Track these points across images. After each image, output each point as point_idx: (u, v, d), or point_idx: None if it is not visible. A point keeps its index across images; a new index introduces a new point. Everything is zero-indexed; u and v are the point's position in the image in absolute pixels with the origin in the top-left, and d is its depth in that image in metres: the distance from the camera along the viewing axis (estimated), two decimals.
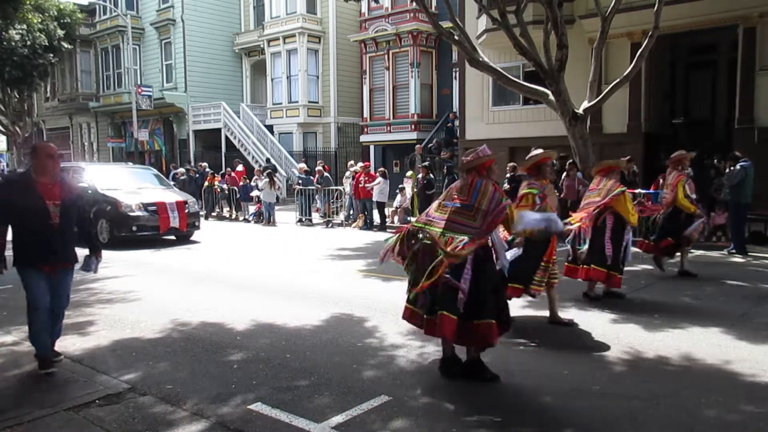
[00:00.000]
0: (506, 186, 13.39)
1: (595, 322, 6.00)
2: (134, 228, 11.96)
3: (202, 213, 16.45)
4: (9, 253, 4.57)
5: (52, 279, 4.58)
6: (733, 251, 10.30)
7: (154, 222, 12.24)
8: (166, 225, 12.33)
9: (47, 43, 26.98)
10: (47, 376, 4.51)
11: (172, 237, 12.93)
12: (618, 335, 5.51)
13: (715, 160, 12.35)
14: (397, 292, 7.54)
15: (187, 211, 12.83)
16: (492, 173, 4.57)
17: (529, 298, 7.02)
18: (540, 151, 5.79)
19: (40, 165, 4.46)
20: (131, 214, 11.99)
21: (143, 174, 14.59)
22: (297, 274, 8.93)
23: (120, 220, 11.94)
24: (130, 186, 12.99)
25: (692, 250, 10.81)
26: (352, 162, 17.92)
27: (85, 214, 4.82)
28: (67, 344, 5.40)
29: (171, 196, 13.11)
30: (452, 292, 4.23)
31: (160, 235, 12.43)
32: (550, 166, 5.84)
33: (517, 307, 6.70)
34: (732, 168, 10.30)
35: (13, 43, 25.90)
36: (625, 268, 9.24)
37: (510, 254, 5.33)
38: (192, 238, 13.30)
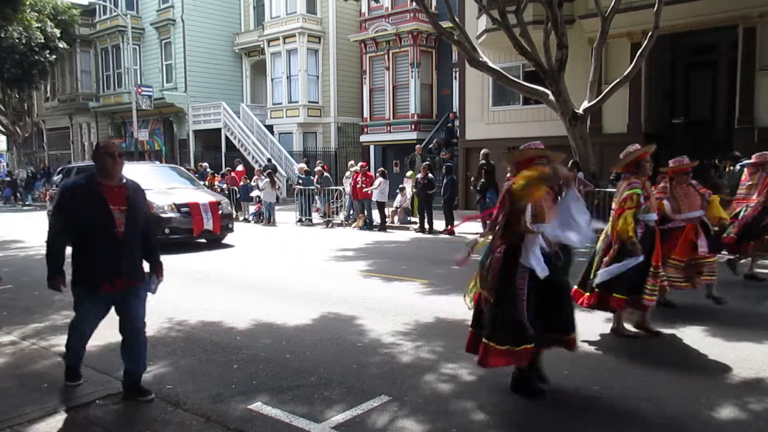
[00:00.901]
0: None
1: (595, 322, 6.00)
2: (167, 231, 11.17)
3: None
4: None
5: (115, 298, 3.98)
6: None
7: (188, 224, 11.52)
8: (199, 227, 11.63)
9: (43, 41, 26.98)
10: (47, 377, 4.51)
11: (203, 240, 12.23)
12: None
13: (716, 160, 12.35)
14: (397, 292, 7.55)
15: (220, 212, 12.10)
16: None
17: None
18: (637, 146, 5.46)
19: (102, 165, 3.90)
20: (163, 215, 11.24)
21: (173, 173, 13.86)
22: (297, 274, 8.93)
23: (152, 222, 11.62)
24: (160, 185, 12.21)
25: None
26: (352, 162, 17.92)
27: (149, 222, 4.17)
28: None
29: (204, 196, 12.43)
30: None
31: (194, 239, 11.73)
32: (649, 162, 5.41)
33: None
34: (732, 168, 10.29)
35: (13, 42, 25.90)
36: None
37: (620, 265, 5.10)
38: (224, 241, 12.59)
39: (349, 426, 3.69)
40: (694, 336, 5.48)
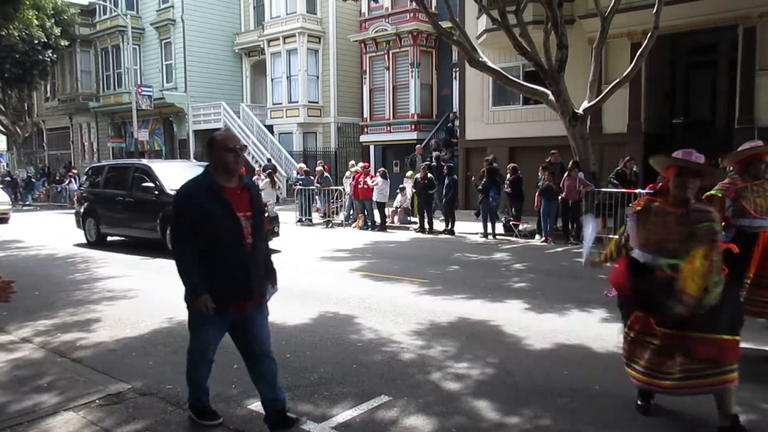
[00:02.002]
0: (507, 189, 13.39)
1: (596, 322, 6.00)
2: None
3: None
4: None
5: (238, 318, 3.44)
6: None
7: None
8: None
9: (45, 40, 26.98)
10: (47, 377, 4.51)
11: None
12: (618, 335, 5.49)
13: (720, 159, 12.35)
14: (396, 292, 7.55)
15: (267, 215, 11.95)
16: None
17: (532, 299, 7.04)
18: (757, 143, 4.85)
19: (221, 163, 3.29)
20: None
21: None
22: (297, 273, 8.92)
23: None
24: None
25: None
26: (352, 162, 17.93)
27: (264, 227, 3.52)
28: (67, 344, 5.41)
29: None
30: None
31: None
32: (765, 164, 4.66)
33: (519, 308, 6.71)
34: (732, 168, 10.28)
35: (14, 40, 25.90)
36: None
37: None
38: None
39: (350, 426, 3.69)
40: None
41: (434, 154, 17.95)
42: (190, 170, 12.63)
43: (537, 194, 12.63)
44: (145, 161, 13.50)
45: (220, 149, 3.28)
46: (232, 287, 3.32)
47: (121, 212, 12.02)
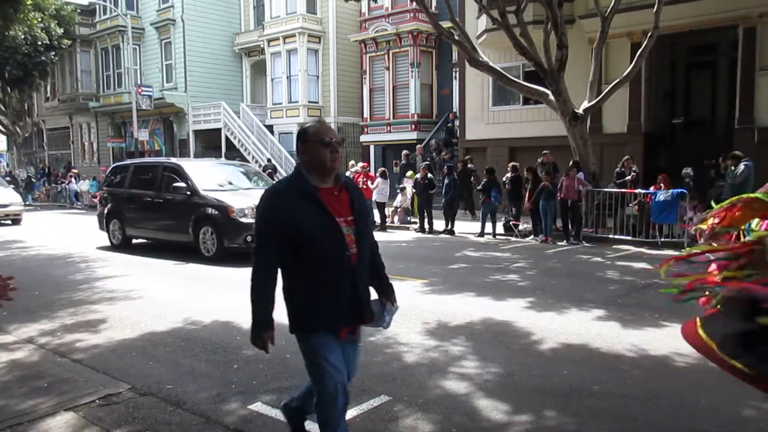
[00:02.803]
0: (508, 187, 13.42)
1: (596, 322, 6.00)
2: (248, 239, 9.72)
3: None
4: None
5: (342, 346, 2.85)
6: None
7: None
8: None
9: (48, 41, 26.99)
10: (47, 377, 4.51)
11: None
12: (618, 335, 5.50)
13: (720, 159, 12.36)
14: (397, 292, 7.54)
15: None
16: None
17: (532, 299, 7.05)
18: None
19: (315, 160, 2.74)
20: (244, 221, 9.81)
21: (239, 171, 12.55)
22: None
23: (231, 228, 9.92)
24: (234, 186, 11.22)
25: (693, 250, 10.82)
26: (352, 162, 17.92)
27: (373, 236, 2.99)
28: (67, 344, 5.41)
29: None
30: None
31: None
32: None
33: (519, 308, 6.71)
34: (733, 168, 10.28)
35: (17, 41, 25.89)
36: (624, 268, 9.30)
37: None
38: None
39: (350, 426, 3.68)
40: None
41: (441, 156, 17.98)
42: (221, 169, 12.46)
43: (527, 196, 12.69)
44: (174, 160, 12.61)
45: (314, 144, 2.72)
46: (338, 307, 2.72)
47: (150, 214, 11.38)
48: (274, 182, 3.07)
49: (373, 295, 2.99)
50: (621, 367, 4.71)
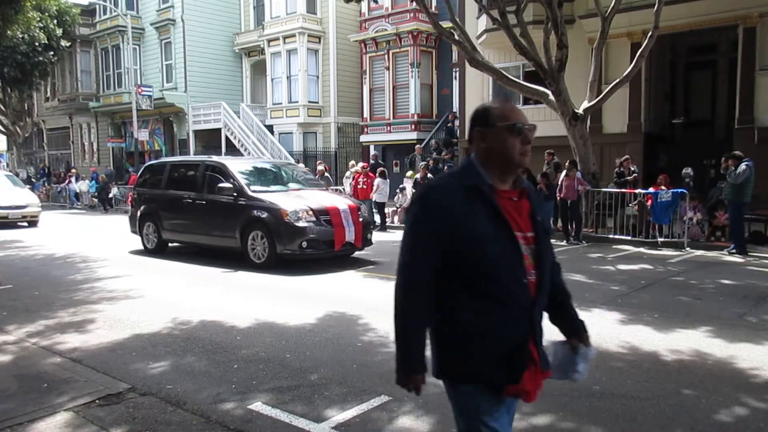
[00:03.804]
0: None
1: (596, 322, 6.00)
2: (303, 245, 9.04)
3: None
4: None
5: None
6: (734, 251, 10.31)
7: (329, 236, 9.25)
8: (341, 240, 9.35)
9: (47, 41, 26.98)
10: (47, 377, 4.51)
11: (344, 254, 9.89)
12: (618, 335, 5.51)
13: (723, 159, 12.39)
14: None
15: (361, 219, 9.86)
16: None
17: None
18: None
19: (499, 152, 2.03)
20: (299, 225, 9.06)
21: (287, 171, 11.65)
22: (297, 273, 8.92)
23: (285, 233, 9.05)
24: (282, 186, 10.43)
25: (693, 250, 10.84)
26: (353, 162, 17.92)
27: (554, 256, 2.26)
28: (67, 344, 5.41)
29: (339, 199, 10.27)
30: None
31: (334, 254, 9.54)
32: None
33: None
34: (733, 168, 10.28)
35: (15, 41, 25.89)
36: (624, 268, 9.31)
37: None
38: (359, 255, 10.27)
39: (350, 426, 3.69)
40: (694, 336, 5.48)
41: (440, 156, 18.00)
42: (266, 167, 11.49)
43: None
44: (216, 158, 11.60)
45: (499, 130, 2.02)
46: (510, 350, 1.99)
47: (189, 216, 10.49)
48: (440, 177, 2.27)
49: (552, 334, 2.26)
50: (621, 367, 4.71)
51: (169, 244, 11.37)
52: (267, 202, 9.39)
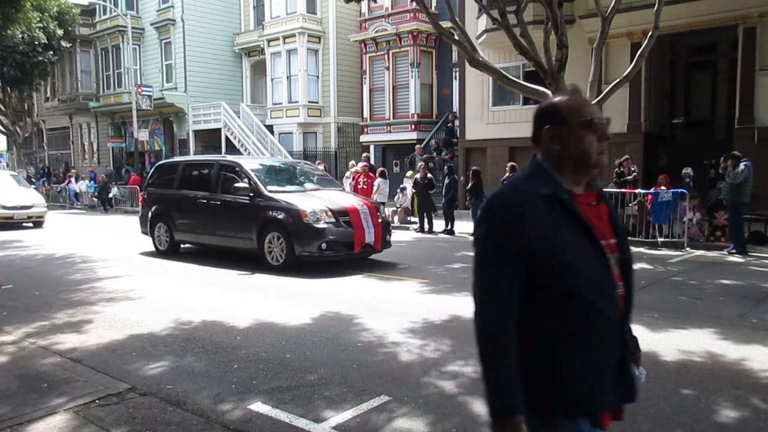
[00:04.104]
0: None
1: None
2: (323, 246, 8.84)
3: None
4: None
5: None
6: (733, 251, 10.31)
7: (348, 237, 9.04)
8: (360, 241, 9.14)
9: (46, 41, 26.98)
10: (47, 377, 4.51)
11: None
12: None
13: (722, 159, 12.39)
14: (396, 292, 7.55)
15: (380, 220, 9.67)
16: None
17: None
18: None
19: (577, 151, 1.79)
20: (318, 226, 8.84)
21: (302, 170, 11.47)
22: (297, 273, 8.92)
23: (304, 234, 8.84)
24: (298, 186, 10.25)
25: (692, 250, 10.84)
26: (353, 162, 17.92)
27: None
28: (67, 344, 5.41)
29: (356, 199, 10.07)
30: None
31: (354, 256, 9.34)
32: None
33: None
34: (732, 168, 10.29)
35: (15, 41, 25.89)
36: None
37: None
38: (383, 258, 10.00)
39: (349, 426, 3.69)
40: (694, 336, 5.48)
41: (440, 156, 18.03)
42: (281, 167, 11.26)
43: None
44: (230, 157, 11.39)
45: (574, 127, 1.78)
46: (603, 383, 1.76)
47: (203, 217, 10.26)
48: (509, 183, 1.85)
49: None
50: None
51: (181, 246, 11.17)
52: (285, 202, 9.18)
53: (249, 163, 10.49)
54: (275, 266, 9.10)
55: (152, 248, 11.28)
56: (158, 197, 11.28)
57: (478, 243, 1.78)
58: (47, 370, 4.68)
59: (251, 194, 9.42)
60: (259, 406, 3.96)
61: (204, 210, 10.23)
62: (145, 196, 11.85)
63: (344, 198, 9.91)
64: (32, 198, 17.21)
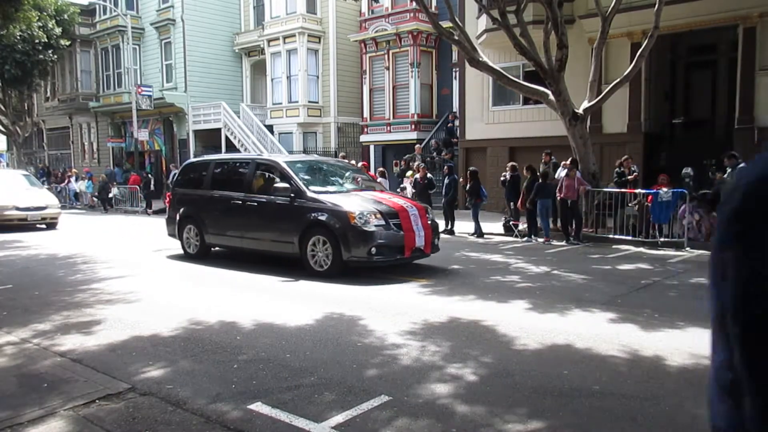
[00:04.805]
0: (507, 187, 13.46)
1: (596, 322, 6.00)
2: (372, 251, 8.26)
3: None
4: None
5: None
6: None
7: (399, 241, 8.45)
8: (411, 244, 8.55)
9: (46, 40, 26.98)
10: (47, 377, 4.51)
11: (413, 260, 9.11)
12: (618, 335, 5.50)
13: (724, 158, 12.38)
14: (397, 292, 7.55)
15: (430, 222, 9.11)
16: None
17: (532, 299, 7.05)
18: None
19: None
20: (367, 229, 8.24)
21: (342, 169, 10.99)
22: (297, 274, 8.91)
23: (353, 238, 8.23)
24: (340, 186, 9.64)
25: (693, 250, 10.84)
26: (353, 162, 17.90)
27: None
28: (67, 344, 5.41)
29: (403, 200, 9.56)
30: None
31: (405, 261, 8.82)
32: None
33: (519, 308, 6.71)
34: (730, 169, 10.30)
35: (15, 40, 25.88)
36: (624, 268, 9.31)
37: None
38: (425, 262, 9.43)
39: (349, 426, 3.69)
40: (694, 336, 5.48)
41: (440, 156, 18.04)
42: (321, 166, 10.67)
43: (521, 194, 12.76)
44: (267, 155, 10.74)
45: None
46: None
47: (238, 219, 9.64)
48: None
49: None
50: (621, 367, 4.71)
51: (212, 249, 10.60)
52: (330, 203, 8.55)
53: (289, 161, 9.78)
54: (319, 272, 8.50)
55: (162, 250, 11.27)
56: (187, 198, 10.66)
57: (722, 246, 0.93)
58: (47, 370, 4.68)
59: (292, 195, 8.85)
60: (259, 406, 3.96)
61: (239, 212, 9.62)
62: (172, 196, 11.24)
63: (391, 199, 9.27)
64: (46, 199, 16.70)
